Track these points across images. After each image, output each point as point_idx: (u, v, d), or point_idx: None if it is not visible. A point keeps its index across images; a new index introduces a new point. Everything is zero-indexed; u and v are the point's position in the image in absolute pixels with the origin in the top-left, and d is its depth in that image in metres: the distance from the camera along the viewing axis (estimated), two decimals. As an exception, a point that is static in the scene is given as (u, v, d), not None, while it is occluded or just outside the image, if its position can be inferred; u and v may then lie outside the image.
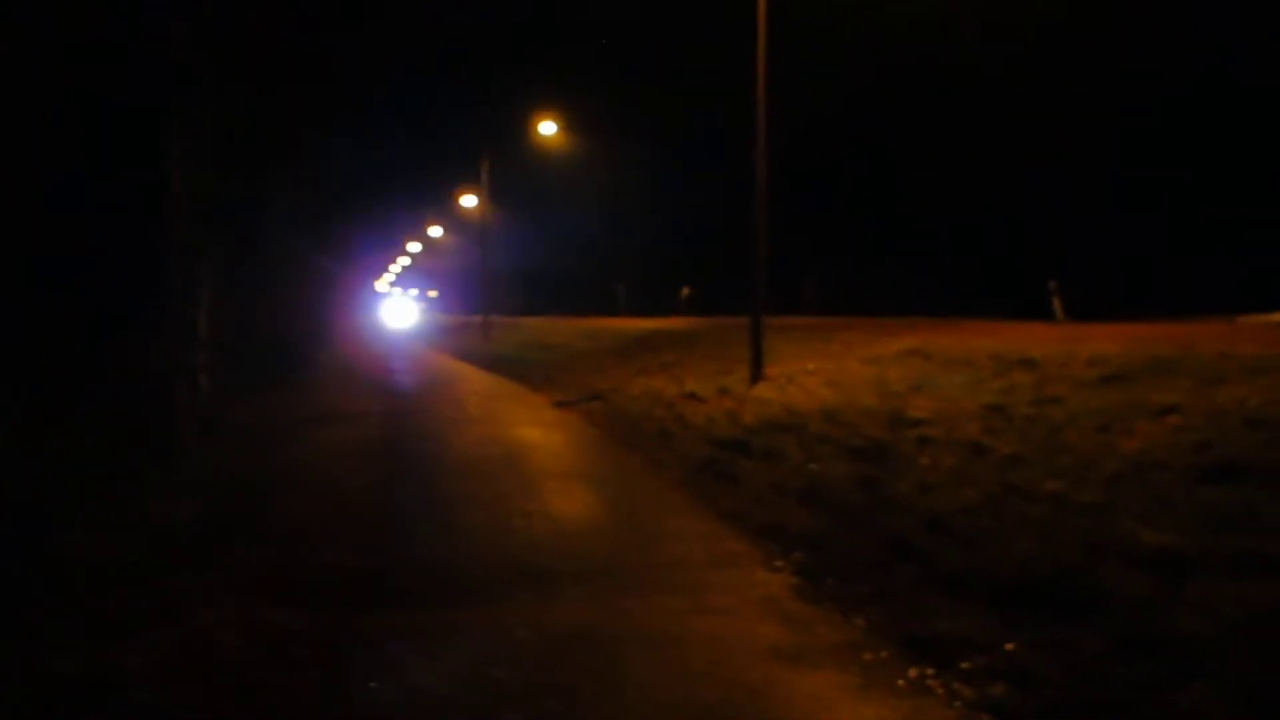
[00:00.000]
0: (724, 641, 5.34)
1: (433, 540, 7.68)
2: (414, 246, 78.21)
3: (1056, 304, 24.24)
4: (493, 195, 41.83)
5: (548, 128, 33.22)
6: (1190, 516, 6.32)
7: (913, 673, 4.83)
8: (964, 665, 4.78)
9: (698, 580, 6.47)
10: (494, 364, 28.22)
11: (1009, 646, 4.90)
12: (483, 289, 43.53)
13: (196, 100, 12.49)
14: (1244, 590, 5.08)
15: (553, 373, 23.19)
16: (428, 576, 6.76)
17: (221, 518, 8.19)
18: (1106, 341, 11.37)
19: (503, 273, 60.53)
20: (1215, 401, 8.13)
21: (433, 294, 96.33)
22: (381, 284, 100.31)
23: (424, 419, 15.48)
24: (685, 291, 45.62)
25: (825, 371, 14.47)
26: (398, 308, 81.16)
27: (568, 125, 34.89)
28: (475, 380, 24.06)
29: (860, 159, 42.66)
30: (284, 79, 16.82)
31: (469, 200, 47.10)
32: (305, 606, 5.96)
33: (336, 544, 7.48)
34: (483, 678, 4.89)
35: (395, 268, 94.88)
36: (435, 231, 66.02)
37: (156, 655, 5.05)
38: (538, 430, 14.09)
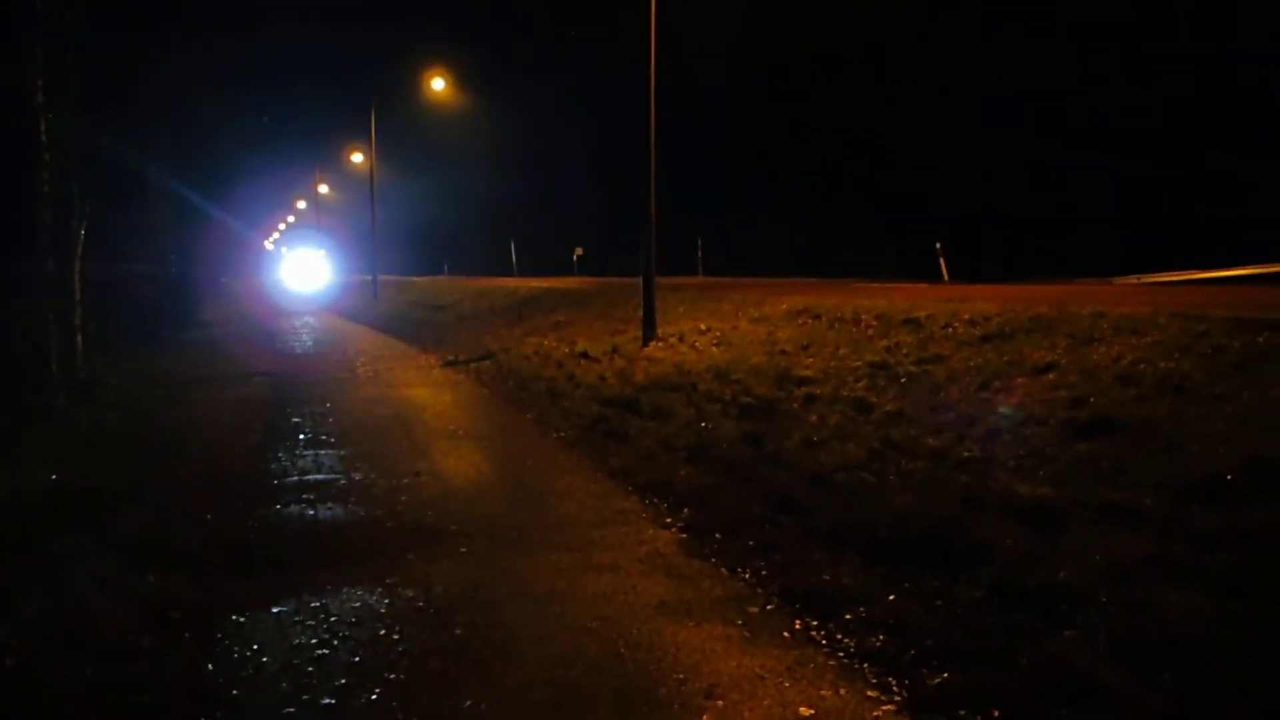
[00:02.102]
0: (612, 598, 5.34)
1: (320, 501, 7.51)
2: (303, 205, 76.12)
3: (942, 265, 24.80)
4: (383, 153, 40.89)
5: (437, 84, 32.51)
6: (1064, 470, 6.54)
7: (797, 624, 4.89)
8: (846, 616, 4.86)
9: (587, 538, 6.45)
10: (383, 324, 27.72)
11: (889, 598, 5.00)
12: (372, 248, 42.55)
13: (60, 46, 11.88)
14: (1113, 541, 5.27)
15: (443, 333, 22.88)
16: (314, 538, 6.61)
17: (97, 481, 7.87)
18: (988, 302, 11.66)
19: (394, 231, 59.38)
20: (1090, 359, 8.41)
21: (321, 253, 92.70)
22: (270, 242, 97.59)
23: (311, 380, 15.10)
24: (579, 252, 45.40)
25: (716, 331, 14.56)
26: (302, 265, 61.36)
27: (458, 82, 34.24)
28: (363, 340, 23.57)
29: (755, 119, 42.88)
30: (154, 27, 16.07)
31: (359, 158, 46.00)
32: (185, 571, 5.77)
33: (219, 507, 7.26)
34: (369, 637, 4.80)
35: (284, 226, 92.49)
36: (324, 189, 64.33)
37: (24, 622, 4.82)
38: (427, 390, 13.88)
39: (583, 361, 14.60)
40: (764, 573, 5.62)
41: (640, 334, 15.46)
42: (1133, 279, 19.90)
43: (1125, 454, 6.41)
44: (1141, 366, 7.80)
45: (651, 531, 6.58)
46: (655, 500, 7.29)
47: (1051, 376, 8.30)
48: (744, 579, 5.59)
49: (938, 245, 25.11)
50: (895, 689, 4.18)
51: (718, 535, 6.33)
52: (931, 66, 33.60)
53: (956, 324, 10.75)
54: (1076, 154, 28.90)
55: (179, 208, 24.91)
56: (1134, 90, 27.08)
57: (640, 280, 15.65)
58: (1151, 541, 5.11)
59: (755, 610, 5.12)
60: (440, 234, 68.71)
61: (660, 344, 14.82)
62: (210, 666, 4.49)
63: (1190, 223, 24.94)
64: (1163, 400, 7.05)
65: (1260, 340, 7.49)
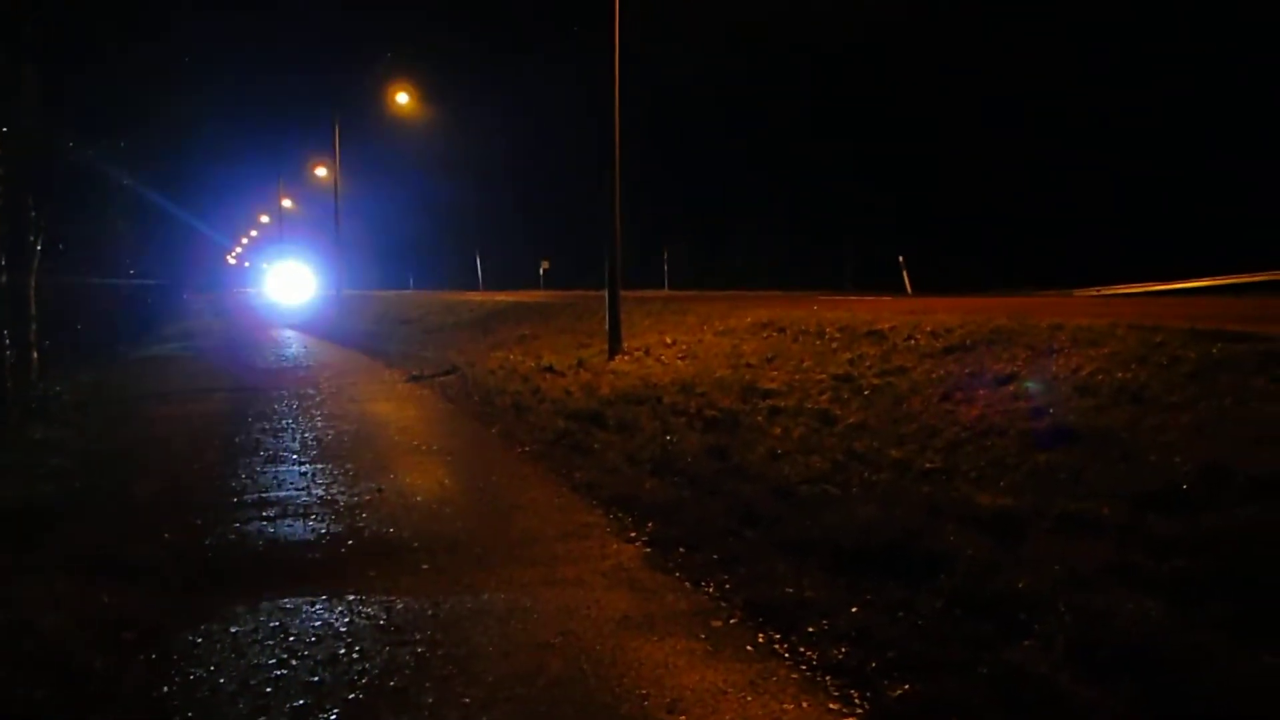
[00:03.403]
0: (575, 613, 5.31)
1: (280, 518, 7.43)
2: (266, 220, 75.58)
3: (905, 277, 25.03)
4: (347, 167, 40.66)
5: (402, 98, 32.40)
6: (1024, 480, 6.59)
7: (760, 637, 4.88)
8: (809, 629, 4.86)
9: (550, 552, 6.42)
10: (348, 339, 27.54)
11: (852, 609, 5.01)
12: (337, 262, 42.24)
13: (17, 56, 11.73)
14: (1071, 549, 5.31)
15: (408, 347, 22.76)
16: (273, 556, 6.54)
17: (50, 499, 7.77)
18: (950, 314, 11.74)
19: (359, 246, 59.00)
20: (1050, 370, 8.48)
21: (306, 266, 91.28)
22: (232, 256, 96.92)
23: (273, 395, 14.96)
24: (545, 265, 45.37)
25: (682, 344, 14.58)
26: (287, 278, 54.81)
27: (423, 94, 34.14)
28: (327, 355, 23.40)
29: (719, 133, 43.08)
30: (116, 36, 15.90)
31: (324, 172, 45.74)
32: (140, 590, 5.68)
33: (176, 524, 7.16)
34: (328, 656, 4.73)
35: (246, 241, 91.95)
36: (288, 204, 63.90)
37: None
38: (391, 405, 13.79)
39: (548, 375, 14.56)
40: (728, 586, 5.61)
41: (606, 347, 15.45)
42: (1092, 291, 20.16)
43: (1084, 463, 6.46)
44: (1099, 377, 7.88)
45: (615, 545, 6.56)
46: (620, 514, 7.27)
47: (1012, 388, 8.37)
48: (708, 592, 5.58)
49: (901, 258, 25.34)
50: (857, 701, 4.18)
51: (682, 549, 6.32)
52: (895, 80, 33.91)
53: (919, 336, 10.81)
54: (1037, 167, 29.25)
55: (140, 219, 24.64)
56: (1095, 101, 27.45)
57: (606, 293, 15.66)
58: (1109, 550, 5.15)
59: (719, 624, 5.10)
60: (407, 248, 68.53)
61: (626, 357, 14.82)
62: (165, 688, 4.41)
63: (1150, 234, 25.30)
64: (1120, 410, 7.12)
65: (1215, 351, 7.58)
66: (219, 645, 4.90)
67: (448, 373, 16.69)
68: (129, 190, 21.62)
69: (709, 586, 5.66)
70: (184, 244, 38.06)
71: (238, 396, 14.92)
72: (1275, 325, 8.34)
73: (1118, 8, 27.27)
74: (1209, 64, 25.05)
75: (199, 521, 7.30)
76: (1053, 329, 9.54)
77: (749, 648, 4.79)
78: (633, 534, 6.77)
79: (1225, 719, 3.78)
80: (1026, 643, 4.37)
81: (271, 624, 5.17)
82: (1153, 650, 4.07)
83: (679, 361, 13.53)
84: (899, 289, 24.71)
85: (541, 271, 45.27)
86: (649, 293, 27.71)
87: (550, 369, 15.03)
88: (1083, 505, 5.82)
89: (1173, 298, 15.95)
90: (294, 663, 4.67)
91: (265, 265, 77.72)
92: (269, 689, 4.39)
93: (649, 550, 6.41)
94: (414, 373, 17.44)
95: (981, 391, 8.50)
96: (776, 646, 4.78)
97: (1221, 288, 18.19)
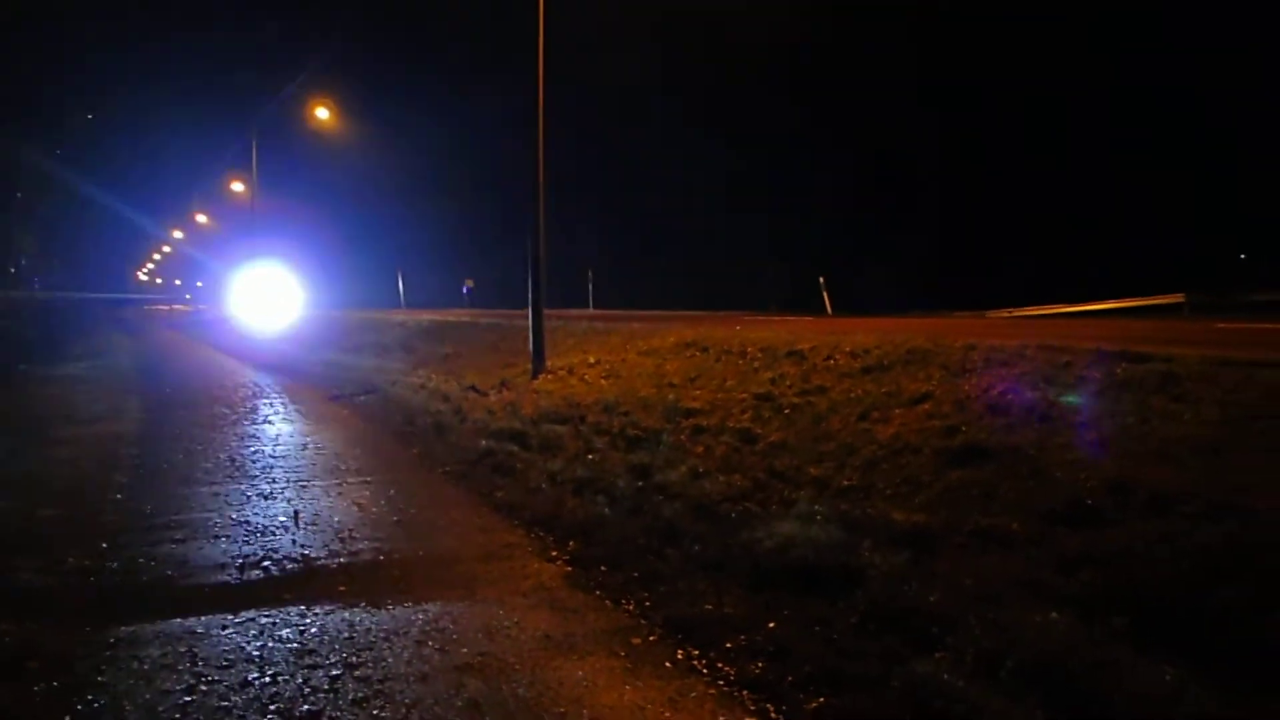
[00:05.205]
0: (495, 633, 5.28)
1: (191, 540, 7.26)
2: (180, 235, 73.98)
3: (825, 298, 25.40)
4: (267, 183, 39.97)
5: (322, 113, 32.01)
6: (938, 496, 6.74)
7: (679, 654, 4.91)
8: (727, 645, 4.90)
9: (471, 573, 6.37)
10: (264, 359, 27.00)
11: (770, 625, 5.06)
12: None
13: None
14: (982, 564, 5.44)
15: (327, 368, 22.39)
16: (184, 579, 6.38)
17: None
18: (868, 335, 11.93)
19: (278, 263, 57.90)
20: (963, 390, 8.68)
21: (200, 285, 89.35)
22: (144, 272, 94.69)
23: (186, 417, 14.60)
24: (469, 283, 45.07)
25: (606, 364, 14.60)
26: (263, 289, 38.02)
27: (344, 109, 33.75)
28: (243, 375, 22.91)
29: (645, 151, 43.38)
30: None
31: (240, 187, 44.90)
32: (43, 618, 5.51)
33: (81, 549, 6.94)
34: (239, 681, 4.64)
35: (159, 257, 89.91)
36: (203, 219, 62.55)
37: None
38: (309, 425, 13.56)
39: (471, 395, 14.46)
40: (648, 604, 5.63)
41: (530, 367, 15.41)
42: (1004, 312, 20.69)
43: (995, 480, 6.63)
44: (1010, 396, 8.09)
45: (537, 565, 6.54)
46: (541, 533, 7.25)
47: (927, 406, 8.54)
48: (628, 611, 5.59)
49: (821, 279, 25.72)
50: (774, 715, 4.22)
51: (603, 567, 6.32)
52: (815, 106, 34.51)
53: (838, 356, 10.97)
54: (953, 193, 29.95)
55: (44, 227, 23.92)
56: (1006, 128, 28.21)
57: (529, 313, 15.64)
58: (1019, 564, 5.29)
59: (638, 642, 5.12)
60: (327, 267, 67.45)
61: (550, 376, 14.79)
62: (67, 718, 4.28)
63: (1059, 258, 26.05)
64: (1030, 429, 7.32)
65: (1119, 371, 7.84)
66: (125, 672, 4.76)
67: (369, 392, 16.47)
68: (39, 180, 20.95)
69: (629, 605, 5.67)
70: (95, 255, 37.02)
71: (149, 417, 14.54)
72: (1174, 347, 8.65)
73: (1046, 37, 28.14)
74: (1131, 95, 25.97)
75: (105, 545, 7.09)
76: (966, 349, 9.76)
77: (668, 664, 4.81)
78: (554, 553, 6.76)
79: (1128, 727, 3.89)
80: (938, 655, 4.46)
81: (180, 649, 5.04)
82: (1059, 662, 4.18)
83: (603, 381, 13.55)
84: (820, 310, 25.06)
85: (465, 291, 44.93)
86: (573, 312, 27.70)
87: (473, 388, 14.93)
88: (994, 521, 5.97)
89: (1080, 319, 16.43)
90: (203, 688, 4.56)
91: (195, 281, 72.17)
92: (177, 716, 4.29)
93: (570, 569, 6.40)
94: (334, 392, 17.17)
95: (898, 411, 8.66)
96: (695, 663, 4.81)
97: (1126, 310, 18.80)
